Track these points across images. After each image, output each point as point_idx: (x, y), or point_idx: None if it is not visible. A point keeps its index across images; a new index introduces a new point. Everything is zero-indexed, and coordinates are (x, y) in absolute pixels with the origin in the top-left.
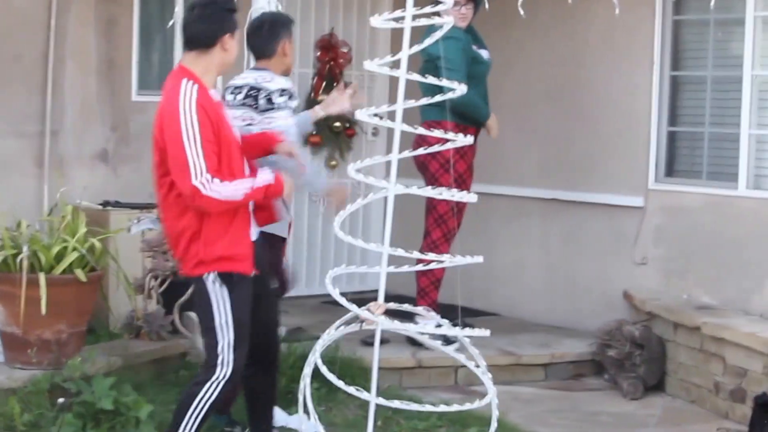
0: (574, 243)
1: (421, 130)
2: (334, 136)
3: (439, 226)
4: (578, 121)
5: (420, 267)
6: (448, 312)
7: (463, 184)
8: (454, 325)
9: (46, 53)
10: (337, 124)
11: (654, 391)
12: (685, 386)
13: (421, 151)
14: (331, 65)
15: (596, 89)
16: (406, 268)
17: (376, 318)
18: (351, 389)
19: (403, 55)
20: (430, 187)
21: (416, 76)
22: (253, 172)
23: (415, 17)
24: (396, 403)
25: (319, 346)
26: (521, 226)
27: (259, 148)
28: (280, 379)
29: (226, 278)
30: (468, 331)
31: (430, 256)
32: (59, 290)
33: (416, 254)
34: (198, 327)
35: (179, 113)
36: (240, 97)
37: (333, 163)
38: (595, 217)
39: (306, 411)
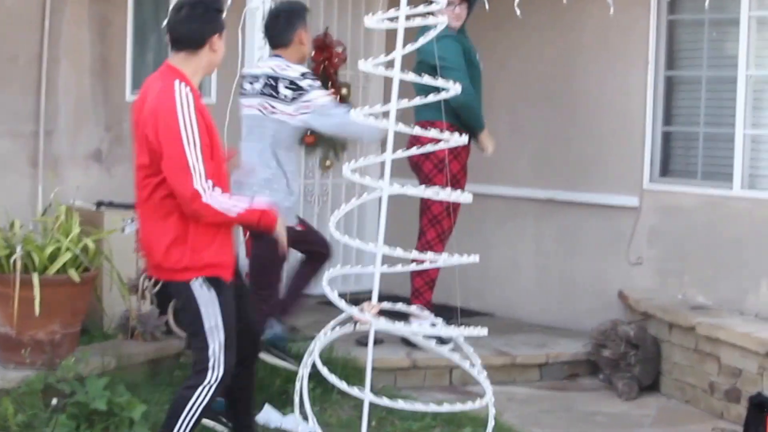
0: (569, 243)
1: (416, 130)
2: (329, 136)
3: (434, 226)
4: (573, 121)
5: (413, 267)
6: (442, 312)
7: (457, 184)
8: (449, 324)
9: (40, 53)
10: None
11: (649, 391)
12: (680, 386)
13: (414, 151)
14: (326, 65)
15: (591, 89)
16: (399, 268)
17: (369, 318)
18: (344, 385)
19: (397, 54)
20: (424, 187)
21: (411, 76)
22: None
23: (409, 17)
24: (386, 401)
25: (317, 347)
26: (516, 227)
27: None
28: (275, 379)
29: (213, 281)
30: (465, 330)
31: (420, 255)
32: (53, 291)
33: (413, 254)
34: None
35: (177, 116)
36: (258, 86)
37: (327, 163)
38: (590, 217)
39: (302, 411)
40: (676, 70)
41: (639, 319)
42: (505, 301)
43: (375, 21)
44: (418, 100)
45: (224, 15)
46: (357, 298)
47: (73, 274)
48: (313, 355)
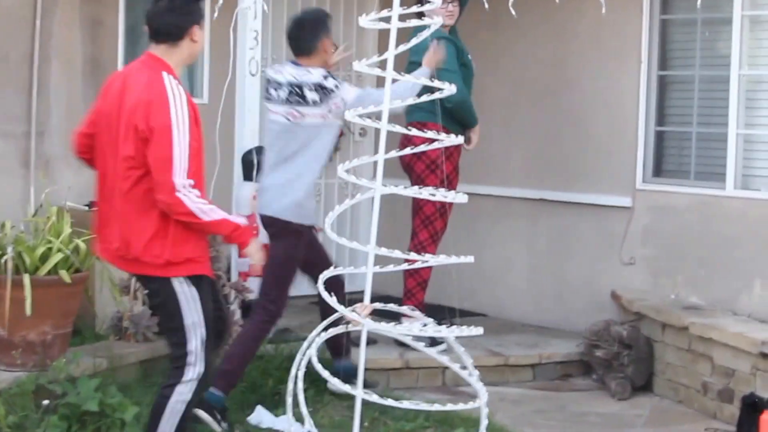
0: (561, 243)
1: (413, 131)
2: None
3: (426, 227)
4: (566, 121)
5: (404, 266)
6: (435, 312)
7: (449, 185)
8: (440, 323)
9: (31, 54)
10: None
11: (642, 391)
12: (673, 386)
13: (407, 151)
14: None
15: (584, 89)
16: (391, 268)
17: (361, 319)
18: (337, 381)
19: (390, 55)
20: (416, 187)
21: (406, 77)
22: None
23: (403, 17)
24: (375, 398)
25: (314, 348)
26: (509, 227)
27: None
28: (267, 380)
29: (195, 279)
30: (461, 330)
31: (417, 256)
32: (44, 291)
33: (406, 255)
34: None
35: (170, 107)
36: (282, 95)
37: None
38: (583, 217)
39: (294, 412)
40: (669, 69)
41: (632, 319)
42: (497, 301)
43: (368, 21)
44: (411, 101)
45: (204, 4)
46: (350, 299)
47: (65, 275)
48: (306, 355)
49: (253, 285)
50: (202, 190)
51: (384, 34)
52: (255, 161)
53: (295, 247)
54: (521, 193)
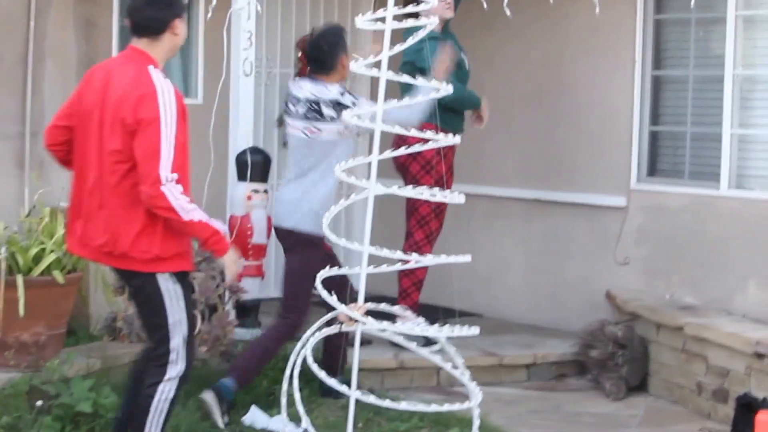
0: (556, 243)
1: (402, 131)
2: None
3: (422, 227)
4: (560, 121)
5: (398, 266)
6: (429, 313)
7: (444, 185)
8: (437, 325)
9: (26, 54)
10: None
11: (637, 391)
12: (667, 386)
13: (402, 151)
14: None
15: (578, 89)
16: (384, 268)
17: (361, 317)
18: (332, 381)
19: (384, 55)
20: (414, 188)
21: (400, 77)
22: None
23: (401, 18)
24: (372, 398)
25: (309, 348)
26: (503, 227)
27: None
28: (261, 381)
29: (179, 276)
30: (457, 330)
31: (414, 256)
32: (37, 292)
33: (399, 254)
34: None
35: (158, 101)
36: (301, 110)
37: None
38: (578, 217)
39: (289, 412)
40: (663, 69)
41: (627, 320)
42: (492, 301)
43: (364, 22)
44: (407, 101)
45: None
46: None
47: (58, 276)
48: (300, 355)
49: (248, 285)
50: (186, 187)
51: (379, 35)
52: (249, 162)
53: (313, 258)
54: (516, 193)
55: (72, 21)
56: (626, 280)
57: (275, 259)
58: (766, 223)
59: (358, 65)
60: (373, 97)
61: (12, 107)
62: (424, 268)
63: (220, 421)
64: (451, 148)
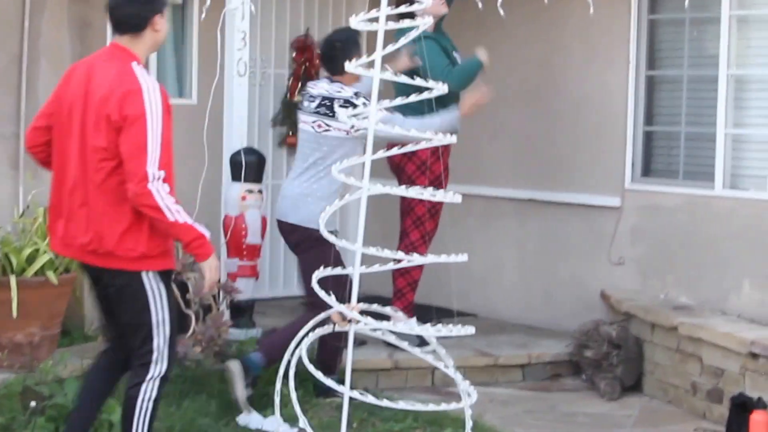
0: (551, 243)
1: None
2: None
3: (417, 227)
4: (554, 121)
5: (390, 266)
6: (424, 313)
7: (440, 185)
8: (426, 323)
9: (20, 54)
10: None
11: (631, 391)
12: (662, 386)
13: (395, 151)
14: (307, 66)
15: (572, 89)
16: (377, 267)
17: (358, 317)
18: (326, 379)
19: (378, 55)
20: (404, 187)
21: (392, 76)
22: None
23: (396, 17)
24: (362, 397)
25: (304, 348)
26: (498, 227)
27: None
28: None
29: (163, 275)
30: (453, 329)
31: (406, 256)
32: (31, 293)
33: (396, 254)
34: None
35: (143, 97)
36: (313, 105)
37: None
38: (572, 217)
39: (282, 413)
40: (657, 69)
41: (621, 320)
42: (487, 301)
43: (358, 22)
44: (400, 101)
45: None
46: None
47: (51, 276)
48: (295, 355)
49: (243, 286)
50: (171, 186)
51: (371, 35)
52: (243, 162)
53: (325, 252)
54: (510, 193)
55: (66, 21)
56: (621, 280)
57: (270, 259)
58: (760, 222)
59: (351, 65)
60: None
61: (6, 107)
62: (420, 269)
63: (241, 390)
64: (446, 149)
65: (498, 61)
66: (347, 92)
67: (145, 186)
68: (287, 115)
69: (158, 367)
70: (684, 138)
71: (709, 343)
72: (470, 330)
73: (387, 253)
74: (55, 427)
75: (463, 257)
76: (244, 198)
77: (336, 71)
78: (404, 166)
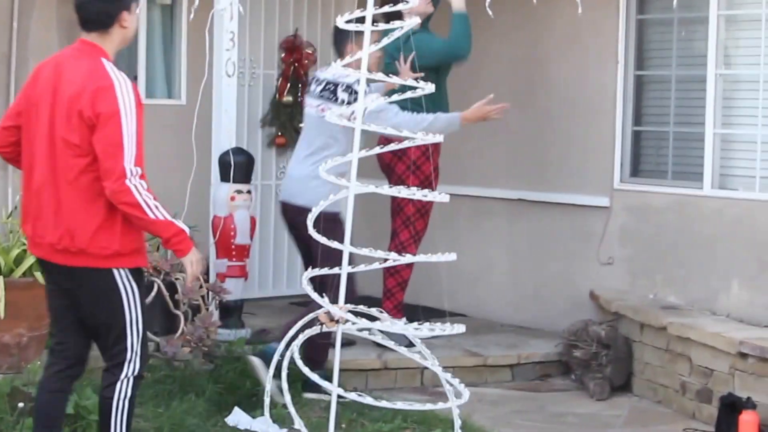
0: (540, 243)
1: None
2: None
3: (407, 227)
4: (543, 121)
5: (375, 266)
6: (411, 312)
7: (430, 185)
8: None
9: (9, 54)
10: (302, 125)
11: (620, 391)
12: (651, 386)
13: (377, 150)
14: (296, 66)
15: (561, 89)
16: (362, 267)
17: (345, 315)
18: (314, 376)
19: (364, 55)
20: (395, 187)
21: (380, 76)
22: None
23: (384, 17)
24: (352, 395)
25: (296, 349)
26: (487, 227)
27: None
28: (245, 382)
29: (135, 273)
30: (444, 328)
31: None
32: (19, 294)
33: (385, 254)
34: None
35: (116, 93)
36: (319, 89)
37: None
38: (562, 217)
39: (272, 413)
40: (646, 69)
41: (610, 319)
42: (477, 301)
43: (344, 22)
44: (397, 97)
45: None
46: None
47: (39, 277)
48: (285, 356)
49: (231, 286)
50: (146, 181)
51: (361, 34)
52: (232, 162)
53: (335, 232)
54: (500, 193)
55: (55, 21)
56: (610, 280)
57: (259, 259)
58: (749, 222)
59: (336, 65)
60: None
61: None
62: (410, 268)
63: (269, 386)
64: (436, 149)
65: (488, 61)
66: (352, 78)
67: (123, 183)
68: (276, 116)
69: (132, 365)
70: (673, 138)
71: (698, 343)
72: (461, 328)
73: (377, 253)
74: None
75: (451, 256)
76: (233, 198)
77: (343, 55)
78: (394, 166)
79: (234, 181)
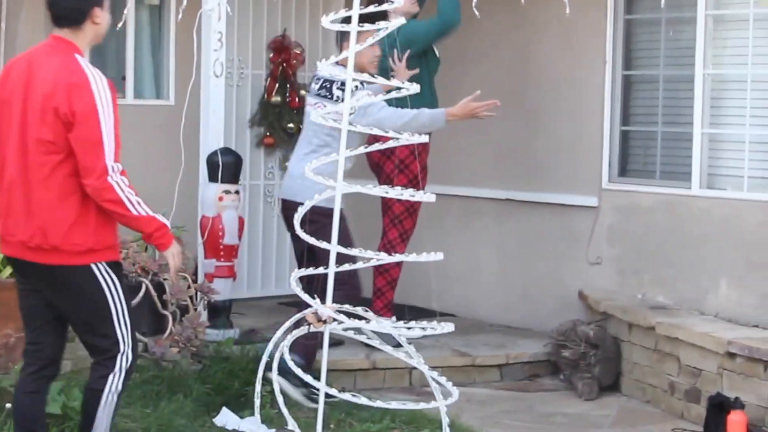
0: (528, 243)
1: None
2: (288, 137)
3: (395, 226)
4: (531, 121)
5: (360, 265)
6: (399, 312)
7: (418, 184)
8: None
9: None
10: (291, 125)
11: (609, 391)
12: (640, 386)
13: (361, 150)
14: (284, 66)
15: (549, 89)
16: (347, 267)
17: (334, 315)
18: (302, 374)
19: (351, 54)
20: (381, 187)
21: (365, 76)
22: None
23: (369, 17)
24: (335, 391)
25: (286, 348)
26: (476, 227)
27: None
28: (233, 382)
29: (114, 266)
30: (434, 327)
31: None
32: (6, 294)
33: (370, 253)
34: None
35: (92, 89)
36: (316, 87)
37: (287, 164)
38: (550, 217)
39: (261, 414)
40: (634, 69)
41: (599, 319)
42: (465, 301)
43: (330, 22)
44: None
45: None
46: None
47: None
48: (273, 357)
49: (220, 286)
50: (126, 177)
51: (348, 34)
52: (220, 162)
53: (339, 228)
54: (488, 193)
55: (43, 22)
56: (598, 280)
57: (247, 259)
58: (737, 222)
59: (323, 64)
60: None
61: None
62: (399, 267)
63: (296, 394)
64: (425, 148)
65: (474, 61)
66: (345, 76)
67: (105, 180)
68: (264, 116)
69: (125, 358)
70: (661, 138)
71: (686, 343)
72: (449, 327)
73: (366, 253)
74: None
75: (438, 255)
76: (221, 199)
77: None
78: (383, 165)
79: (222, 182)
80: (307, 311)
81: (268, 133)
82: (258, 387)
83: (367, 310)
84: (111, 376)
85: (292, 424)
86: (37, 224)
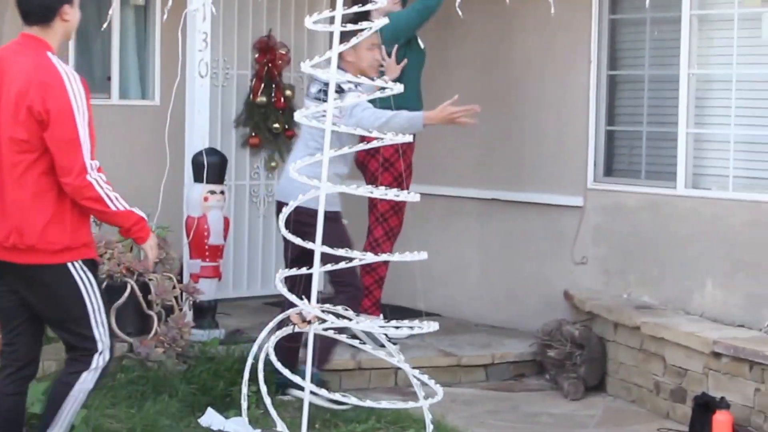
0: (513, 243)
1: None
2: (273, 138)
3: (381, 224)
4: (516, 121)
5: (342, 265)
6: (385, 311)
7: (403, 183)
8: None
9: None
10: (276, 125)
11: (595, 391)
12: (625, 386)
13: (345, 150)
14: (270, 67)
15: (534, 89)
16: (329, 267)
17: (319, 314)
18: (289, 373)
19: (333, 54)
20: (367, 186)
21: (348, 77)
22: None
23: (353, 18)
24: (324, 392)
25: (271, 349)
26: (461, 227)
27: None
28: (218, 382)
29: (89, 264)
30: (421, 326)
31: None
32: None
33: (357, 253)
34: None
35: (66, 88)
36: (313, 91)
37: (273, 164)
38: (535, 216)
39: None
40: (619, 69)
41: (584, 319)
42: (450, 301)
43: (313, 23)
44: (366, 96)
45: None
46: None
47: None
48: (259, 358)
49: (205, 286)
50: (103, 173)
51: (349, 35)
52: (205, 163)
53: (336, 230)
54: (473, 193)
55: None
56: (584, 280)
57: (233, 260)
58: (722, 222)
59: (305, 65)
60: None
61: None
62: (385, 265)
63: (319, 400)
64: (409, 146)
65: (460, 61)
66: (341, 78)
67: (84, 178)
68: (250, 116)
69: (102, 356)
70: (646, 137)
71: (672, 343)
72: (434, 326)
73: (353, 253)
74: None
75: (422, 255)
76: (206, 199)
77: (342, 56)
78: (367, 164)
79: (207, 182)
80: (291, 311)
81: (253, 134)
82: (244, 389)
83: (347, 309)
84: (84, 373)
85: (280, 426)
86: (12, 224)
